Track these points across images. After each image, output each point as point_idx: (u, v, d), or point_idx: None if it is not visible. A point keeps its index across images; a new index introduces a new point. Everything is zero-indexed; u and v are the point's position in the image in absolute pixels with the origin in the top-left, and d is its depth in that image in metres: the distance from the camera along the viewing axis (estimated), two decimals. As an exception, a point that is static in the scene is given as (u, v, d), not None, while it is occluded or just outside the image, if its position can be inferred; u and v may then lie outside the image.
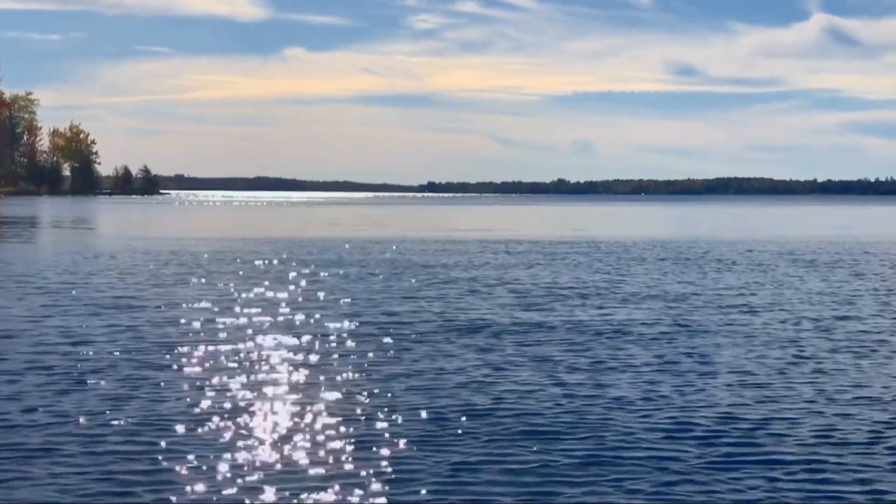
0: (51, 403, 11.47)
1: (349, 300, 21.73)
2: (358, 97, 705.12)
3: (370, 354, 14.84)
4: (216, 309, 20.14)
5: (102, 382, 12.70)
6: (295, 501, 8.27)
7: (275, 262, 33.13)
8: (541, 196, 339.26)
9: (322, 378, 13.07)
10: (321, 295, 22.94)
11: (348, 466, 9.16)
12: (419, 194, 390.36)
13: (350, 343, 15.93)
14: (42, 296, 22.20)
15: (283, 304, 20.93)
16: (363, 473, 8.95)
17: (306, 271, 29.28)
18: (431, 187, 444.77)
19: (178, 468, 8.98)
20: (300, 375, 13.25)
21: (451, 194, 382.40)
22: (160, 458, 9.30)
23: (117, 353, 14.76)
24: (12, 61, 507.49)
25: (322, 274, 28.37)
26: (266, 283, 25.76)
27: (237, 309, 20.15)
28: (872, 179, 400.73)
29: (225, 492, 8.44)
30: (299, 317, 18.95)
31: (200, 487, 8.52)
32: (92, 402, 11.53)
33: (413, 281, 26.46)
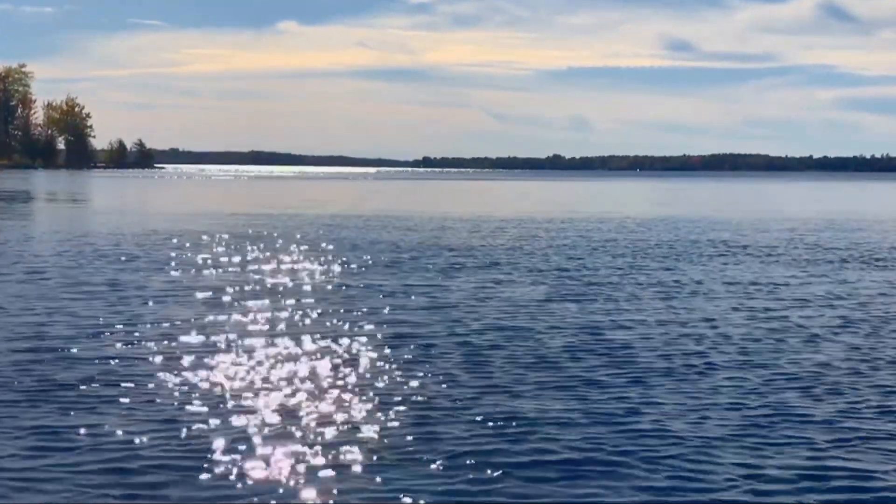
0: (46, 391, 11.25)
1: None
2: (352, 71, 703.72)
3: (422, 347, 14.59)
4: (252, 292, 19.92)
5: (98, 369, 12.51)
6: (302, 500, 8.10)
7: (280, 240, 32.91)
8: (537, 172, 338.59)
9: (331, 367, 12.87)
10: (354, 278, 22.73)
11: (360, 464, 8.98)
12: (414, 169, 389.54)
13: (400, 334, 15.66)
14: (38, 281, 21.92)
15: (290, 291, 20.68)
16: (372, 472, 8.79)
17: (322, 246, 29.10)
18: (426, 162, 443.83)
19: (178, 466, 8.72)
20: (312, 366, 13.02)
21: (446, 170, 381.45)
22: (160, 454, 9.04)
23: (109, 341, 14.50)
24: (5, 34, 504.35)
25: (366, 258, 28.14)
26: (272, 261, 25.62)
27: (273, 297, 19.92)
28: (868, 156, 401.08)
29: (229, 490, 8.23)
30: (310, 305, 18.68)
31: (202, 485, 8.31)
32: (84, 394, 11.29)
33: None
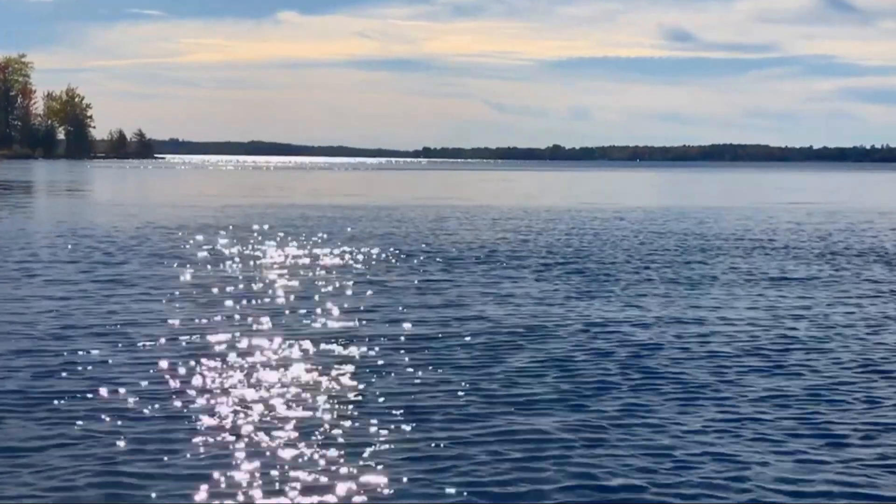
0: (40, 390, 11.20)
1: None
2: (352, 61, 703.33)
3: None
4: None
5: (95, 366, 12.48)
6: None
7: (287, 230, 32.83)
8: (538, 162, 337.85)
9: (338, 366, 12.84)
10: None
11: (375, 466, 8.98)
12: (414, 159, 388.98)
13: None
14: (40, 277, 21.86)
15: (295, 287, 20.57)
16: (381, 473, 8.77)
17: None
18: (427, 153, 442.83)
19: (172, 469, 8.70)
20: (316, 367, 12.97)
21: (447, 160, 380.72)
22: (160, 454, 9.03)
23: (106, 336, 14.47)
24: (5, 24, 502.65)
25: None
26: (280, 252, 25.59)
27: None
28: (868, 147, 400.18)
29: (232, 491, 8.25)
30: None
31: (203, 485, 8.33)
32: (82, 392, 11.26)
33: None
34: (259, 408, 10.41)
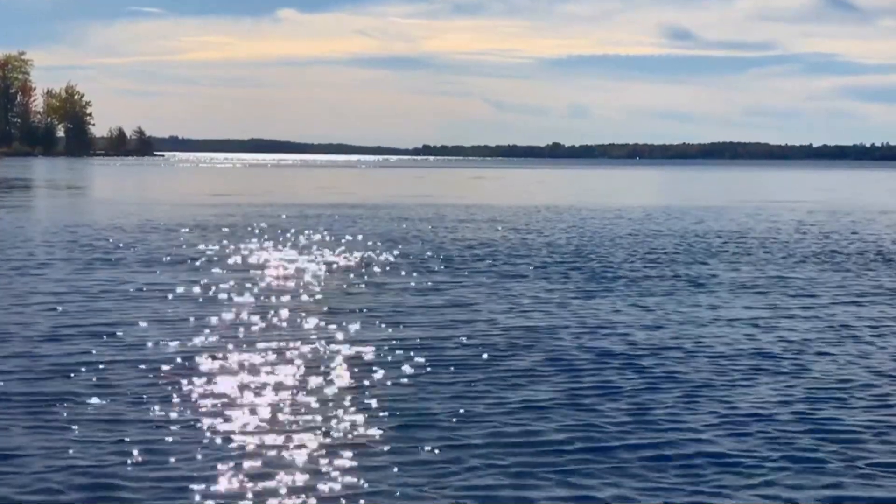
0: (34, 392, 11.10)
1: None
2: (352, 59, 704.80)
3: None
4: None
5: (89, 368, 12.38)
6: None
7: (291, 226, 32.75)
8: (537, 160, 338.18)
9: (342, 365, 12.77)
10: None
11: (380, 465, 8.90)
12: (414, 157, 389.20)
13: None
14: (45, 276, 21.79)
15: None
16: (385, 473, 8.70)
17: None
18: (426, 150, 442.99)
19: (165, 474, 8.62)
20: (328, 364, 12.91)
21: (447, 158, 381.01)
22: (159, 456, 8.99)
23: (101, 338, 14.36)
24: (5, 22, 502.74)
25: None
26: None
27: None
28: (868, 145, 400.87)
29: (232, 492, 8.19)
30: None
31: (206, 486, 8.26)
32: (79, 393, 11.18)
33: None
34: (256, 409, 10.33)
